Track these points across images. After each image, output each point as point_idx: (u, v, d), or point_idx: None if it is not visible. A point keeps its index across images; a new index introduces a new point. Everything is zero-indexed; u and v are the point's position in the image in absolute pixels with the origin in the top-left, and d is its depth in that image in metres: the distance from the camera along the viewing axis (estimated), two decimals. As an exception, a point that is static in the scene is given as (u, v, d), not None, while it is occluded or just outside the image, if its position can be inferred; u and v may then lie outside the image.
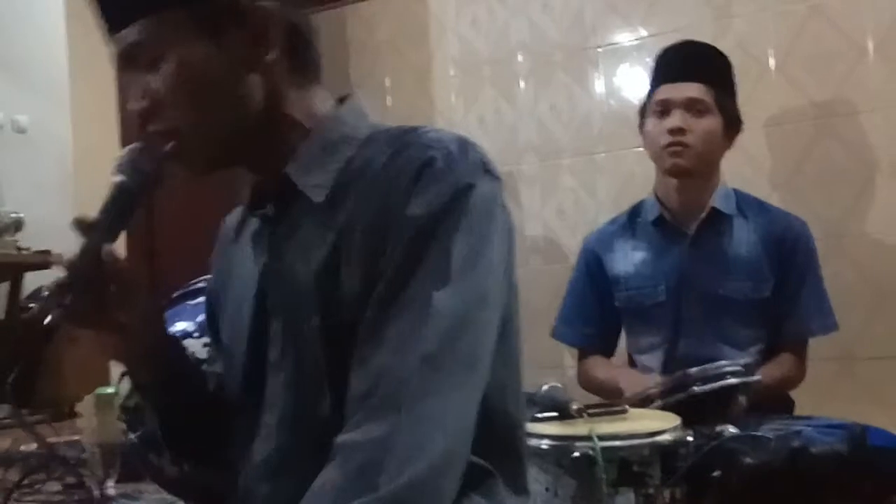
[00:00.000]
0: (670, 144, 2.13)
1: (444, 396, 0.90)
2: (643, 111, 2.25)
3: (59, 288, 0.99)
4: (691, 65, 2.20)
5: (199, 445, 1.21)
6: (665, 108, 2.15)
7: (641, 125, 2.25)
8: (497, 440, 1.05)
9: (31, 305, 3.11)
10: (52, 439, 2.11)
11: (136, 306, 1.05)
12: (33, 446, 2.02)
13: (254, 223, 1.14)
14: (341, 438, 0.91)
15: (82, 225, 1.01)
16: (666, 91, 2.16)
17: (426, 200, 0.95)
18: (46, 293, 1.00)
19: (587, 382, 2.30)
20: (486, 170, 1.01)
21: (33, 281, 3.22)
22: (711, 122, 2.14)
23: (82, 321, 1.03)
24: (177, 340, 1.21)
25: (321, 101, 1.11)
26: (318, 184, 1.04)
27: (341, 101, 1.13)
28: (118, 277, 1.02)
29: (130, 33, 1.02)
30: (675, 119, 2.12)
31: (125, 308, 1.04)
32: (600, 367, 2.29)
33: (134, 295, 1.05)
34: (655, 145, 2.17)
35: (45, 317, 0.98)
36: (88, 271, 1.00)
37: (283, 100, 1.07)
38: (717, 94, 2.15)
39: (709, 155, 2.16)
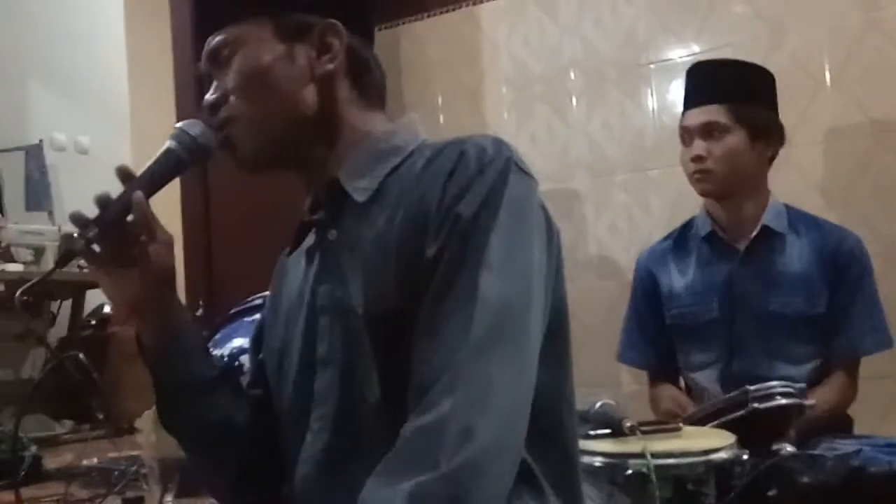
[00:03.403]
0: (695, 172, 2.16)
1: (494, 379, 0.93)
2: None
3: (87, 222, 1.07)
4: (703, 88, 2.21)
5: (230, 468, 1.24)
6: (688, 136, 2.18)
7: None
8: (550, 446, 1.06)
9: (93, 322, 3.17)
10: (112, 454, 2.16)
11: (153, 260, 1.13)
12: (94, 460, 2.06)
13: (310, 240, 1.18)
14: (404, 426, 0.93)
15: (124, 174, 1.11)
16: (686, 118, 2.20)
17: (466, 198, 0.99)
18: (76, 219, 1.07)
19: (657, 413, 2.27)
20: (519, 167, 1.04)
21: (95, 299, 3.29)
22: (732, 141, 2.13)
23: (97, 257, 1.12)
24: (196, 330, 1.24)
25: (380, 122, 1.17)
26: (363, 187, 1.10)
27: None
28: (142, 225, 1.11)
29: (217, 36, 1.13)
30: (695, 147, 2.15)
31: (141, 255, 1.12)
32: (666, 401, 2.26)
33: (153, 246, 1.13)
34: (686, 172, 2.21)
35: (72, 249, 1.07)
36: (116, 213, 1.09)
37: (342, 115, 1.14)
38: (735, 109, 2.13)
39: (735, 173, 2.14)
